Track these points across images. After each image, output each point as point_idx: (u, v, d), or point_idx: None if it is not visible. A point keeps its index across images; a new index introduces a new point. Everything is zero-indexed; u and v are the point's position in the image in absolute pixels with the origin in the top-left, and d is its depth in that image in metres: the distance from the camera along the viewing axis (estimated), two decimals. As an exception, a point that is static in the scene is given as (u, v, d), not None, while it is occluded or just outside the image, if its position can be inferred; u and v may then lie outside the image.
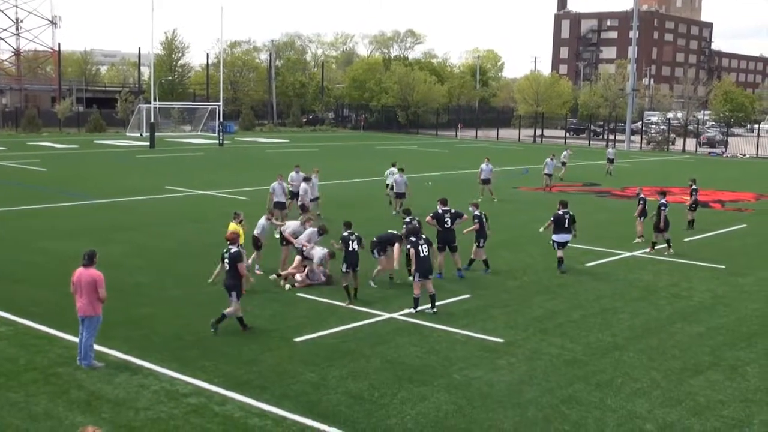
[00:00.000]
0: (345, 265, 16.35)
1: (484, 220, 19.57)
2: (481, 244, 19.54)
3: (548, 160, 38.64)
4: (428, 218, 19.03)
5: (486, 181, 33.12)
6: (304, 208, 24.23)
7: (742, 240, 25.51)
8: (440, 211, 18.96)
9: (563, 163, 43.14)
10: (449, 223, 18.84)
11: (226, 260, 14.41)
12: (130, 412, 10.77)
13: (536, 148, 70.46)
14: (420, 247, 15.76)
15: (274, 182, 25.03)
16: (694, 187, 27.00)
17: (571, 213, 20.07)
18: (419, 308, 15.76)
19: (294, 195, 26.08)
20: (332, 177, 38.16)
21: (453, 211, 19.12)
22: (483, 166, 33.30)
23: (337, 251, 17.32)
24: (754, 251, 23.45)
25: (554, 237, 19.96)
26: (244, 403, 11.18)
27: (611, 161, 46.87)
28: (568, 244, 20.19)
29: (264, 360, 12.93)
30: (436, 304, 15.92)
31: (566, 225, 19.86)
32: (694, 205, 26.90)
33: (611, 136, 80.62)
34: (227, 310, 14.41)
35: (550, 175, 38.12)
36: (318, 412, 10.90)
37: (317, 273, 17.84)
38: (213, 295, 16.74)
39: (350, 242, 16.44)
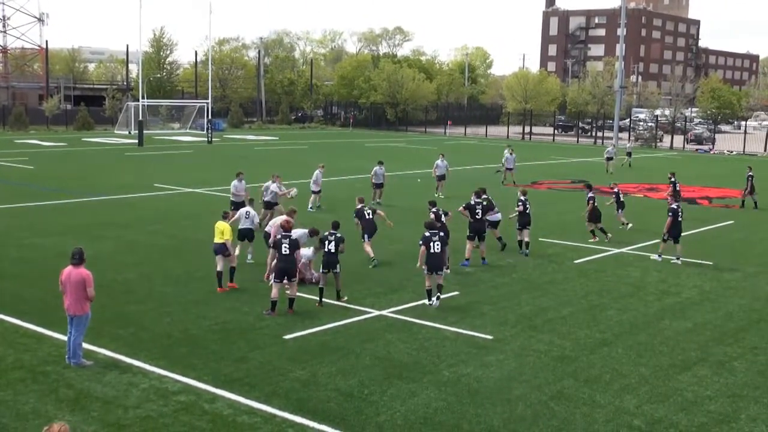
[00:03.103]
0: (321, 266, 16.30)
1: (528, 204, 21.22)
2: (518, 226, 21.25)
3: (507, 154, 39.28)
4: (461, 208, 19.97)
5: (441, 177, 33.82)
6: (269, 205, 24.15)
7: (729, 236, 25.65)
8: (473, 202, 19.97)
9: (609, 158, 46.32)
10: (480, 214, 19.80)
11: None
12: (119, 411, 10.75)
13: (525, 145, 70.56)
14: (432, 244, 15.86)
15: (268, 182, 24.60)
16: (672, 180, 29.56)
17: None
18: (432, 300, 15.97)
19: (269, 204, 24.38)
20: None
21: (485, 203, 20.19)
22: (438, 162, 34.16)
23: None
24: (740, 247, 23.60)
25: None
26: (233, 400, 11.18)
27: (629, 154, 50.76)
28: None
29: (253, 357, 12.93)
30: (441, 297, 16.17)
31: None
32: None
33: (599, 133, 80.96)
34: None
35: (510, 170, 38.91)
36: (307, 410, 10.91)
37: (312, 270, 17.80)
38: (201, 292, 16.75)
39: (327, 243, 16.25)
